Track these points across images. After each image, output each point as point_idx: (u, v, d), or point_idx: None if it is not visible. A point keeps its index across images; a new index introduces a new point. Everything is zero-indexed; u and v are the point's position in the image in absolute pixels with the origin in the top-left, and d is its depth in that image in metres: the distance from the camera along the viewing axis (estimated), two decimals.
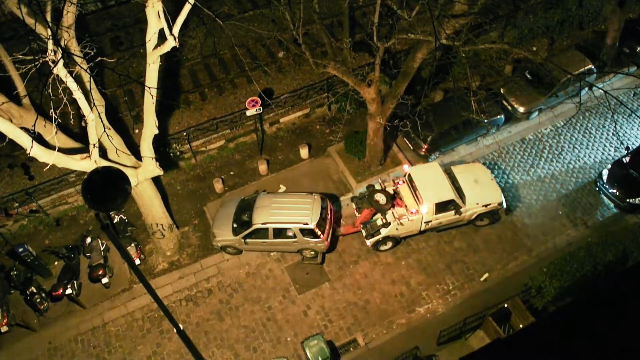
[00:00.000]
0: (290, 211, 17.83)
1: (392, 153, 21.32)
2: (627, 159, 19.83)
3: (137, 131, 21.57)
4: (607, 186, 19.65)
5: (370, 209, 17.75)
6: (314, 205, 17.92)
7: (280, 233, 17.86)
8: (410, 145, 21.24)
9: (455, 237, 19.25)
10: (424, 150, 20.54)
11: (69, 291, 17.79)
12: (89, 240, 18.71)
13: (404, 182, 18.55)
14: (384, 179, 19.18)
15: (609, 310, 6.40)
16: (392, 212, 17.85)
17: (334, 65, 17.33)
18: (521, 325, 16.01)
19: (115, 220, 19.17)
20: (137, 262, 18.75)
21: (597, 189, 20.14)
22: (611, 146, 21.43)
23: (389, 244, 18.68)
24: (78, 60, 13.47)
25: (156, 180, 18.73)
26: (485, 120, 20.66)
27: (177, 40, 13.41)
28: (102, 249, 18.55)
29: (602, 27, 24.91)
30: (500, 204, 18.50)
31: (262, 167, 21.03)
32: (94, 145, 13.89)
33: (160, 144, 19.96)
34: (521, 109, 21.76)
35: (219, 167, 21.64)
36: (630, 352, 5.90)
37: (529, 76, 22.17)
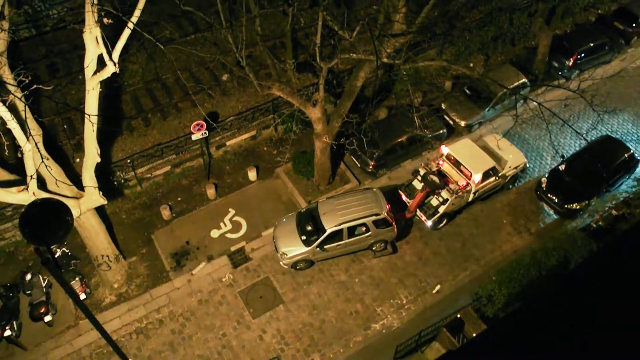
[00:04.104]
0: (357, 207, 18.25)
1: (340, 171, 21.52)
2: (563, 166, 20.83)
3: (78, 160, 20.85)
4: (546, 193, 20.53)
5: (423, 192, 18.59)
6: (377, 196, 18.59)
7: (352, 232, 18.17)
8: (357, 162, 21.53)
9: (406, 251, 19.53)
10: (371, 167, 20.85)
11: (7, 333, 16.80)
12: (29, 276, 17.82)
13: (444, 161, 19.61)
14: (425, 162, 20.18)
15: (555, 313, 6.63)
16: (447, 189, 18.81)
17: (278, 87, 17.42)
18: (474, 334, 16.31)
19: (57, 254, 18.38)
20: (83, 296, 17.98)
21: (537, 196, 21.01)
22: (547, 155, 22.46)
23: (444, 221, 19.66)
24: (12, 88, 12.94)
25: (100, 210, 18.12)
26: (429, 135, 21.28)
27: (117, 65, 13.15)
28: (43, 285, 17.71)
29: (533, 43, 26.28)
30: (525, 163, 20.79)
31: (210, 192, 20.72)
32: (31, 176, 13.35)
33: (103, 172, 19.34)
34: (462, 123, 22.56)
35: (165, 193, 21.16)
36: (579, 353, 6.11)
37: (468, 91, 23.06)
